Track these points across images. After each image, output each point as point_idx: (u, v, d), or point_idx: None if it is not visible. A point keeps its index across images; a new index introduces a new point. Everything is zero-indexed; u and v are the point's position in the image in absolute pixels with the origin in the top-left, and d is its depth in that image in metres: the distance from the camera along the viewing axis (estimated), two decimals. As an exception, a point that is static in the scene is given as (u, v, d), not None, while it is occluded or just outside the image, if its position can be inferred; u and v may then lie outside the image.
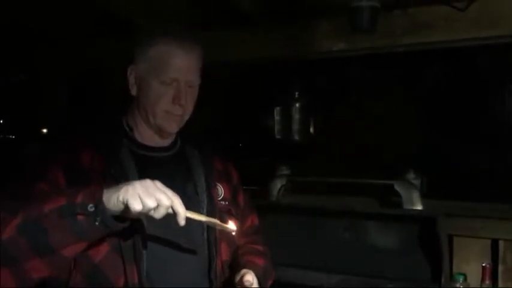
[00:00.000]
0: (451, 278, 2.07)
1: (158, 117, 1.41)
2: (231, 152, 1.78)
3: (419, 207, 2.17)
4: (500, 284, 2.12)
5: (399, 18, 2.30)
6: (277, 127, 4.01)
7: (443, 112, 4.29)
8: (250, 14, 2.46)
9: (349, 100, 4.70)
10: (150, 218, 1.17)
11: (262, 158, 4.45)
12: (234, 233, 1.37)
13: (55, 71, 3.29)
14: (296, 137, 3.95)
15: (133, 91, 1.44)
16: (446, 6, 2.18)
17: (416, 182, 2.27)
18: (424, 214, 2.15)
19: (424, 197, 2.21)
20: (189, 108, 1.44)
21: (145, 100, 1.41)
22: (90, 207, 1.11)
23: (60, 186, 1.28)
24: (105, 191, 1.13)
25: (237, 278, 1.38)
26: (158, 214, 1.14)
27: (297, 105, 3.92)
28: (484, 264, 2.03)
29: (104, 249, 1.27)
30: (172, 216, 1.16)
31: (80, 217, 1.12)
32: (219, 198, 1.51)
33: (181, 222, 1.16)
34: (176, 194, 1.16)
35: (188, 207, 1.19)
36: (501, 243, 2.14)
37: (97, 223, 1.11)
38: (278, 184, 2.50)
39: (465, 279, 2.06)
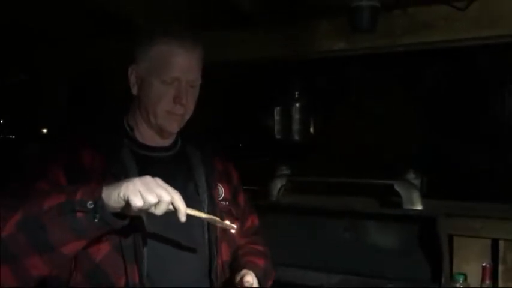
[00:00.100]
0: (451, 278, 2.07)
1: (159, 116, 1.40)
2: (231, 152, 1.77)
3: (420, 207, 2.17)
4: (500, 284, 2.12)
5: (399, 18, 2.30)
6: (277, 127, 4.01)
7: (443, 112, 4.28)
8: (250, 14, 2.46)
9: (349, 100, 4.69)
10: (151, 215, 1.16)
11: (262, 158, 4.43)
12: (233, 231, 1.37)
13: (55, 71, 3.29)
14: (296, 137, 3.95)
15: (134, 91, 1.44)
16: (446, 6, 2.18)
17: (416, 182, 2.27)
18: (424, 214, 2.15)
19: (424, 197, 2.21)
20: (190, 107, 1.44)
21: (146, 100, 1.41)
22: (90, 204, 1.11)
23: (61, 185, 1.27)
24: (104, 188, 1.13)
25: (237, 278, 1.39)
26: (159, 210, 1.14)
27: (297, 105, 3.92)
28: (484, 264, 2.03)
29: (104, 248, 1.27)
30: (173, 213, 1.16)
31: (79, 214, 1.11)
32: (220, 199, 1.51)
33: (182, 218, 1.16)
34: (176, 191, 1.16)
35: (189, 206, 1.19)
36: (501, 243, 2.14)
37: (96, 220, 1.11)
38: (278, 184, 2.50)
39: (465, 279, 2.05)
